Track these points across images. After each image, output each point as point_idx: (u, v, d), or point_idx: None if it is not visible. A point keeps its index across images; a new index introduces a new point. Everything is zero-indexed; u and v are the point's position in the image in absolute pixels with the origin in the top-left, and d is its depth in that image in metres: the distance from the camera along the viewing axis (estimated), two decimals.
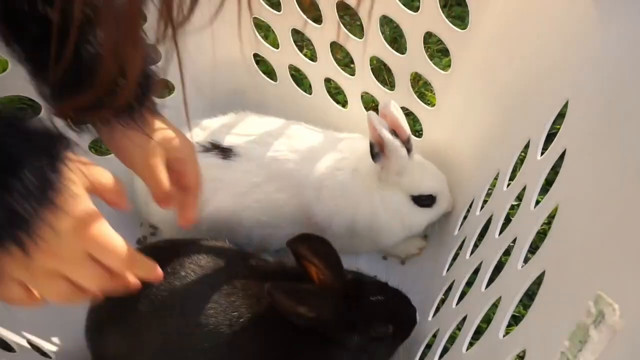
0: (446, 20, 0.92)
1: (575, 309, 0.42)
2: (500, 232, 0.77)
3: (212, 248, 0.85)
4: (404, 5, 0.95)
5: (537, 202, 0.68)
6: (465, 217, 1.00)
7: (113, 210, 1.14)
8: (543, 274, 0.54)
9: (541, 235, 0.65)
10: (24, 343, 0.81)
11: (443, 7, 0.90)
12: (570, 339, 0.40)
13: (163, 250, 0.84)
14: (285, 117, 1.12)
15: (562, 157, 0.66)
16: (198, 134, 1.03)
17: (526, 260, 0.63)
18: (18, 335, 0.82)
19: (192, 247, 0.84)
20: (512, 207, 0.81)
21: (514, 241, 0.70)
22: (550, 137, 0.74)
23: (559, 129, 0.71)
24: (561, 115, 0.72)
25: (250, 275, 0.79)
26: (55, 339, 0.91)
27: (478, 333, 0.69)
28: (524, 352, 0.49)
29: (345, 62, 1.41)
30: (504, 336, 0.57)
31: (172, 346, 0.75)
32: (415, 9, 0.94)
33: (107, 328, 0.80)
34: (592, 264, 0.45)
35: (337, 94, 1.33)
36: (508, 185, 0.84)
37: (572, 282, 0.47)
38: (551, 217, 0.62)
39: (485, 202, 0.93)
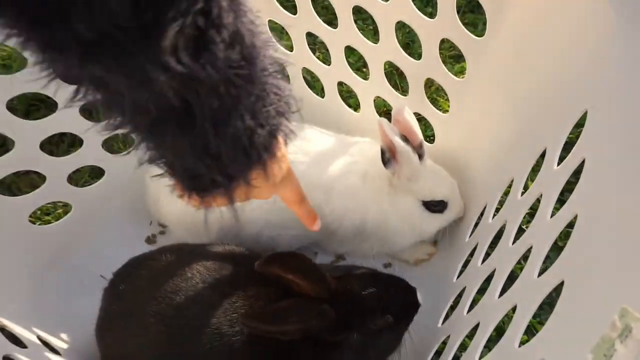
0: (462, 27, 0.92)
1: (599, 321, 0.42)
2: (514, 241, 0.77)
3: (220, 251, 0.85)
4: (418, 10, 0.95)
5: (553, 211, 0.68)
6: (476, 224, 1.00)
7: (121, 207, 1.15)
8: (562, 284, 0.53)
9: (556, 245, 0.65)
10: (35, 339, 0.81)
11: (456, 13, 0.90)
12: (593, 352, 0.40)
13: (172, 253, 0.84)
14: (297, 119, 1.12)
15: (580, 166, 0.66)
16: None
17: (542, 270, 0.62)
18: (29, 331, 0.82)
19: (200, 250, 0.84)
20: (525, 216, 0.81)
21: (529, 250, 0.69)
22: (565, 147, 0.74)
23: (573, 137, 0.70)
24: (578, 125, 0.72)
25: (253, 278, 0.79)
26: (64, 336, 0.91)
27: (489, 342, 0.68)
28: None
29: (357, 66, 1.41)
30: (519, 346, 0.56)
31: (177, 347, 0.74)
32: (429, 14, 0.94)
33: (116, 327, 0.80)
34: (615, 276, 0.45)
35: (348, 98, 1.33)
36: (522, 193, 0.83)
37: (594, 294, 0.47)
38: (569, 226, 0.62)
39: (497, 209, 0.92)
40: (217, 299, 0.74)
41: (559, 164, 0.73)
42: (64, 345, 0.88)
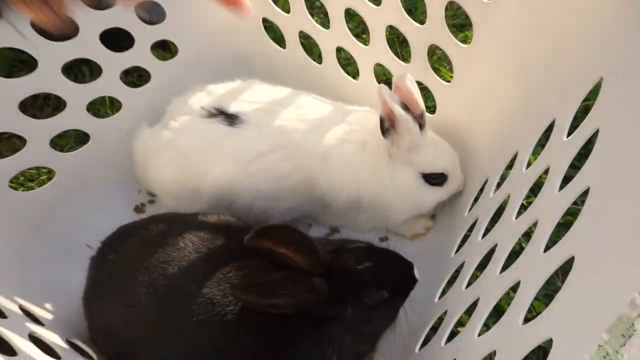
0: None
1: (616, 299, 0.39)
2: (518, 216, 0.74)
3: (213, 221, 0.81)
4: None
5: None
6: (477, 198, 0.97)
7: (108, 175, 1.11)
8: (572, 259, 0.50)
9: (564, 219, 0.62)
10: (16, 309, 0.77)
11: None
12: (610, 331, 0.37)
13: (163, 222, 0.81)
14: (293, 86, 1.07)
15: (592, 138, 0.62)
16: (202, 98, 0.98)
17: (549, 245, 0.59)
18: (10, 300, 0.78)
19: (192, 219, 0.80)
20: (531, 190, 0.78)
21: (533, 225, 0.66)
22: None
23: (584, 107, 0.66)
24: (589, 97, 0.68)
25: (246, 250, 0.75)
26: (49, 306, 0.88)
27: (488, 319, 0.66)
28: (550, 341, 0.45)
29: (357, 32, 1.35)
30: (524, 323, 0.53)
31: (168, 317, 0.72)
32: None
33: (105, 297, 0.77)
34: (633, 252, 0.41)
35: (347, 65, 1.27)
36: (527, 166, 0.80)
37: (609, 270, 0.43)
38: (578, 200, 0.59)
39: (499, 183, 0.89)
40: (210, 269, 0.71)
41: (568, 136, 0.69)
42: (49, 316, 0.85)
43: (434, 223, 1.08)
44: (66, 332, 0.80)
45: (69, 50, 1.00)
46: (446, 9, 0.91)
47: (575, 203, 0.60)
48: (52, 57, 0.97)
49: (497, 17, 0.88)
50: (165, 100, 1.06)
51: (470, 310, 0.74)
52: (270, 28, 1.26)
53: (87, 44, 1.00)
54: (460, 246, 0.93)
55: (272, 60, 1.25)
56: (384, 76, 1.25)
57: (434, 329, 0.82)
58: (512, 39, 0.88)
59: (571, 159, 0.66)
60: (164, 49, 1.28)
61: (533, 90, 0.85)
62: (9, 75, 0.93)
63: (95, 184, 1.09)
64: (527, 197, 0.77)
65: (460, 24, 1.38)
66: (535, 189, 0.77)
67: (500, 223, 0.79)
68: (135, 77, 1.24)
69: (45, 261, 0.98)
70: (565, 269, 0.53)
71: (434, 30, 0.96)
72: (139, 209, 1.08)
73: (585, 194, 0.57)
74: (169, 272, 0.71)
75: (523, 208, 0.75)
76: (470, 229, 0.91)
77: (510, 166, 0.89)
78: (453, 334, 0.74)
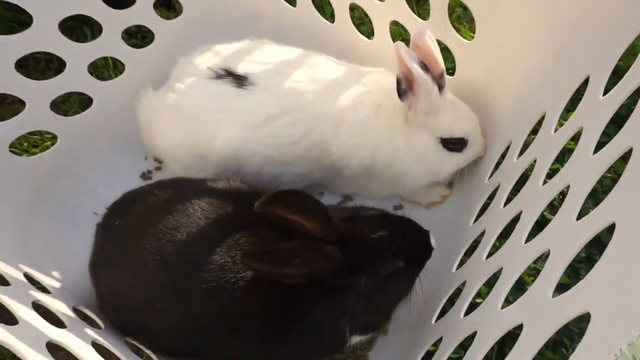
0: None
1: None
2: (545, 182, 0.69)
3: (222, 187, 0.78)
4: None
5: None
6: (497, 164, 0.91)
7: (113, 141, 1.07)
8: (613, 226, 0.46)
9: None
10: (20, 277, 0.75)
11: None
12: None
13: (171, 187, 0.77)
14: (303, 47, 1.01)
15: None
16: (209, 59, 0.93)
17: (582, 212, 0.54)
18: (14, 267, 0.76)
19: (200, 185, 0.77)
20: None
21: (564, 191, 0.61)
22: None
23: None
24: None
25: (257, 217, 0.72)
26: (55, 274, 0.86)
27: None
28: (587, 316, 0.41)
29: None
30: (554, 296, 0.49)
31: (177, 283, 0.69)
32: None
33: (111, 263, 0.75)
34: None
35: (361, 25, 1.20)
36: (556, 129, 0.74)
37: None
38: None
39: (523, 148, 0.83)
40: (219, 236, 0.69)
41: (604, 94, 0.64)
42: (55, 284, 0.83)
43: (451, 191, 1.03)
44: (72, 300, 0.79)
45: (67, 6, 0.94)
46: None
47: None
48: (49, 12, 0.91)
49: None
50: (169, 62, 1.01)
51: (489, 282, 0.70)
52: None
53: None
54: (479, 214, 0.89)
55: (282, 20, 1.18)
56: (400, 36, 1.18)
57: (451, 301, 0.79)
58: None
59: (608, 119, 0.61)
60: (168, 8, 1.22)
61: (563, 46, 0.78)
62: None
63: (101, 150, 1.06)
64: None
65: None
66: (560, 156, 0.72)
67: (525, 189, 0.75)
68: (139, 38, 1.18)
69: (50, 228, 0.96)
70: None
71: None
72: (145, 175, 1.05)
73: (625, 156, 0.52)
74: (178, 238, 0.69)
75: (550, 175, 0.71)
76: (491, 197, 0.87)
77: (535, 131, 0.83)
78: (472, 306, 0.70)
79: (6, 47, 0.88)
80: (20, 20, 1.18)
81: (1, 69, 0.88)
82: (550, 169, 0.71)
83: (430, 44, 0.84)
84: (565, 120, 0.73)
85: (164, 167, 1.05)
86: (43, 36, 0.91)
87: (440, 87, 0.87)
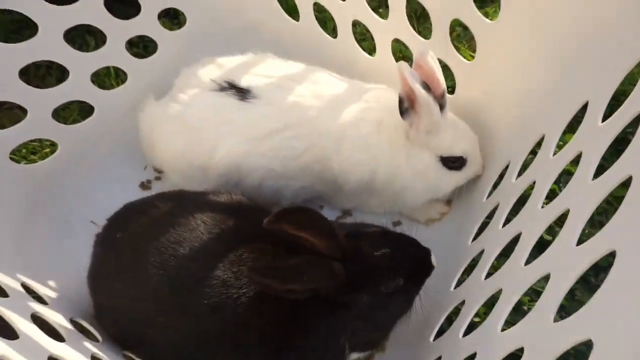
0: None
1: None
2: (544, 204, 0.70)
3: (224, 201, 0.78)
4: None
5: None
6: (496, 184, 0.93)
7: (113, 149, 1.07)
8: (612, 254, 0.47)
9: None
10: (18, 287, 0.75)
11: None
12: None
13: (173, 200, 0.77)
14: (304, 61, 1.02)
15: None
16: (213, 71, 0.94)
17: (582, 237, 0.55)
18: (12, 278, 0.76)
19: (202, 198, 0.77)
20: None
21: (565, 215, 0.62)
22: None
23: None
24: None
25: (260, 231, 0.72)
26: (52, 283, 0.85)
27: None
28: (589, 342, 0.42)
29: (373, 5, 1.28)
30: (555, 321, 0.50)
31: (180, 298, 0.69)
32: None
33: (112, 276, 0.74)
34: None
35: (362, 40, 1.21)
36: (555, 152, 0.75)
37: None
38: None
39: (522, 169, 0.85)
40: (222, 251, 0.69)
41: (603, 120, 0.65)
42: (52, 294, 0.82)
43: (450, 208, 1.04)
44: (69, 311, 0.78)
45: (72, 15, 0.94)
46: None
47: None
48: (53, 21, 0.92)
49: None
50: (171, 72, 1.01)
51: (487, 302, 0.71)
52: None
53: (90, 9, 0.95)
54: (478, 234, 0.90)
55: (284, 33, 1.20)
56: (400, 53, 1.19)
57: (449, 319, 0.80)
58: (544, 18, 0.82)
59: (607, 145, 0.62)
60: (172, 18, 1.22)
61: (563, 69, 0.80)
62: (7, 41, 0.88)
63: (100, 158, 1.05)
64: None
65: None
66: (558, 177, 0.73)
67: (524, 211, 0.76)
68: (141, 47, 1.19)
69: (47, 237, 0.95)
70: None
71: (457, 3, 0.91)
72: (144, 185, 1.05)
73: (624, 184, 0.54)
74: (181, 252, 0.69)
75: (548, 196, 0.72)
76: (489, 216, 0.88)
77: (534, 152, 0.84)
78: (471, 326, 0.71)
79: (10, 55, 0.88)
80: (20, 27, 1.18)
81: (4, 77, 0.88)
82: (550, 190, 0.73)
83: (433, 64, 0.85)
84: (564, 142, 0.75)
85: (164, 177, 1.05)
86: (48, 45, 0.91)
87: (442, 107, 0.89)
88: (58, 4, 0.92)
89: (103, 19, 0.99)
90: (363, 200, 1.00)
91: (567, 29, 0.78)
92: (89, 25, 1.00)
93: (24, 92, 0.92)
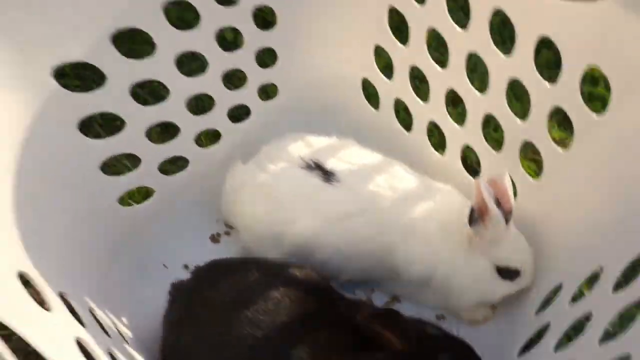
0: (580, 98, 0.89)
1: None
2: (603, 340, 0.74)
3: (304, 277, 0.85)
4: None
5: None
6: (548, 301, 0.96)
7: (193, 200, 1.15)
8: None
9: None
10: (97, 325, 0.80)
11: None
12: None
13: (260, 269, 0.85)
14: (377, 148, 1.11)
15: None
16: (302, 148, 1.03)
17: None
18: (93, 314, 0.82)
19: (287, 272, 0.84)
20: None
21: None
22: None
23: None
24: None
25: (331, 313, 0.78)
26: (126, 321, 0.91)
27: None
28: None
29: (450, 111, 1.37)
30: None
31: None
32: (547, 78, 0.92)
33: (193, 329, 0.79)
34: None
35: (430, 136, 1.30)
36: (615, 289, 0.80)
37: None
38: None
39: (579, 295, 0.89)
40: (301, 330, 0.74)
41: None
42: (128, 332, 0.88)
43: (494, 314, 1.08)
44: (141, 351, 0.83)
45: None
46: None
47: None
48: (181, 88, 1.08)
49: (604, 131, 0.89)
50: (259, 139, 1.11)
51: None
52: (364, 87, 1.30)
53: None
54: (524, 350, 0.93)
55: (360, 119, 1.29)
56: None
57: None
58: (617, 154, 0.88)
59: None
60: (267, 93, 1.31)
61: (629, 212, 0.85)
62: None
63: (178, 206, 1.14)
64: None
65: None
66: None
67: (578, 341, 0.79)
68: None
69: (125, 276, 1.03)
70: None
71: (533, 126, 0.99)
72: (214, 238, 1.12)
73: None
74: (265, 325, 0.74)
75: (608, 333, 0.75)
76: (539, 335, 0.91)
77: (590, 280, 0.88)
78: None
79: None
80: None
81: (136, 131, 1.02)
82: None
83: (507, 185, 0.93)
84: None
85: (233, 233, 1.12)
86: (169, 108, 1.05)
87: (507, 221, 0.95)
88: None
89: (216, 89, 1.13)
90: (416, 292, 1.05)
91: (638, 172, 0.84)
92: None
93: (143, 146, 1.07)
